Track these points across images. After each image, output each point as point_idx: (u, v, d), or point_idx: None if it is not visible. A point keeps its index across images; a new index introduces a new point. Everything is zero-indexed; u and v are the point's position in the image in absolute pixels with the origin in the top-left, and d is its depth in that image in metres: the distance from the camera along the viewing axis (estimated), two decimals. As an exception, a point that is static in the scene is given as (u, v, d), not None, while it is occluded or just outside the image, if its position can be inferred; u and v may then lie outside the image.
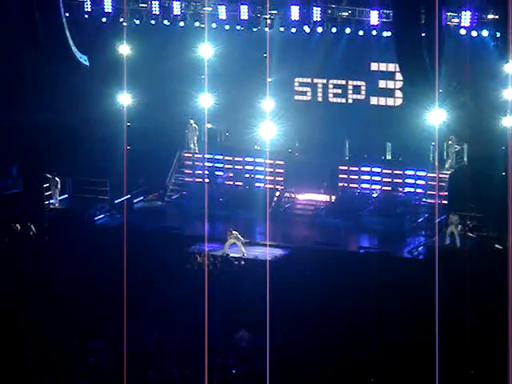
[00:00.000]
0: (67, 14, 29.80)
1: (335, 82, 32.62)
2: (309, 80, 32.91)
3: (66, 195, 31.15)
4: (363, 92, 32.37)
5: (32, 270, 24.68)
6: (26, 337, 20.80)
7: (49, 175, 30.53)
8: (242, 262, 26.07)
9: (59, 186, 30.66)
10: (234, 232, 26.86)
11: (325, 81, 32.73)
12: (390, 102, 32.11)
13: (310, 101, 32.90)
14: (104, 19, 31.91)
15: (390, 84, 31.95)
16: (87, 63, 30.31)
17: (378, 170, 31.29)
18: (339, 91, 32.63)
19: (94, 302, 22.34)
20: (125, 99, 31.65)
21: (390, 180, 31.10)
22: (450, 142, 30.54)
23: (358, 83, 32.33)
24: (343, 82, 32.50)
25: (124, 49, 31.76)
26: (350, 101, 32.53)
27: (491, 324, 19.69)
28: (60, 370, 19.36)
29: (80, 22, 31.41)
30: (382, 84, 32.10)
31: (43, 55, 29.43)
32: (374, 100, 32.37)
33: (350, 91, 32.52)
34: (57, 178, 30.62)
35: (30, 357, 19.95)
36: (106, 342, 20.21)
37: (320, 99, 32.83)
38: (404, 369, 19.01)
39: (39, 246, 26.97)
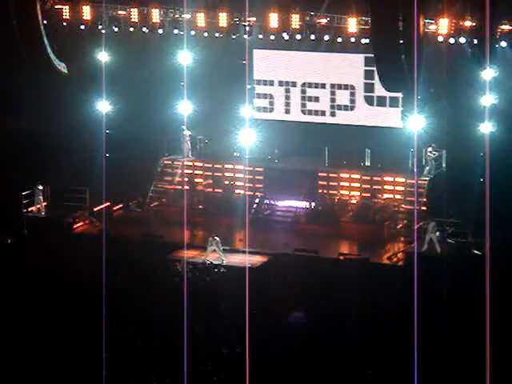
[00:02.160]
0: (45, 22, 29.69)
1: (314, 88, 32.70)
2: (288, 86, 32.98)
3: (45, 203, 31.01)
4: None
5: (10, 278, 24.54)
6: (2, 345, 20.69)
7: (34, 185, 30.43)
8: (222, 269, 26.08)
9: (43, 194, 30.56)
10: (216, 238, 26.87)
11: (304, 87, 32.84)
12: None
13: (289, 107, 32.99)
14: (82, 26, 31.89)
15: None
16: (66, 71, 30.22)
17: (358, 176, 31.40)
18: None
19: (73, 309, 22.25)
20: (104, 106, 31.60)
21: (369, 186, 31.22)
22: (429, 149, 30.63)
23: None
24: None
25: (103, 56, 31.74)
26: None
27: (469, 329, 19.79)
28: (37, 379, 19.26)
29: (58, 29, 31.34)
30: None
31: (21, 63, 29.32)
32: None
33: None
34: (40, 187, 30.52)
35: (6, 365, 19.85)
36: (84, 349, 20.11)
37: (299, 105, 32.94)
38: (383, 373, 19.08)
39: (18, 254, 26.83)
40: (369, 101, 31.22)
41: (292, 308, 22.46)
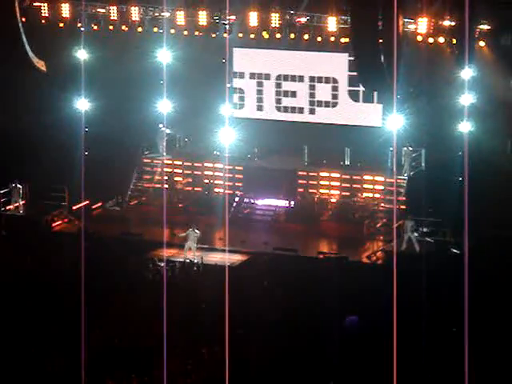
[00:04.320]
0: (23, 19, 29.53)
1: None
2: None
3: (23, 202, 30.86)
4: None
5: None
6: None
7: (12, 183, 30.26)
8: (201, 268, 26.05)
9: (21, 193, 30.42)
10: (196, 231, 26.85)
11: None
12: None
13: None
14: (61, 24, 31.74)
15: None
16: (44, 68, 30.07)
17: (337, 175, 31.47)
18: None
19: (51, 309, 22.14)
20: (82, 104, 31.49)
21: (348, 185, 31.30)
22: (404, 149, 30.68)
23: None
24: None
25: (82, 54, 31.62)
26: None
27: (447, 327, 19.90)
28: (16, 380, 19.17)
29: (37, 27, 31.18)
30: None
31: (-1, 61, 29.17)
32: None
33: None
34: (19, 185, 30.36)
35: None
36: (64, 349, 20.03)
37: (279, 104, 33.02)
38: (363, 372, 19.13)
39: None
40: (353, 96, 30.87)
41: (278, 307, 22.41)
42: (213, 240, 28.65)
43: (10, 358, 19.96)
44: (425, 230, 27.70)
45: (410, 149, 30.65)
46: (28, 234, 28.47)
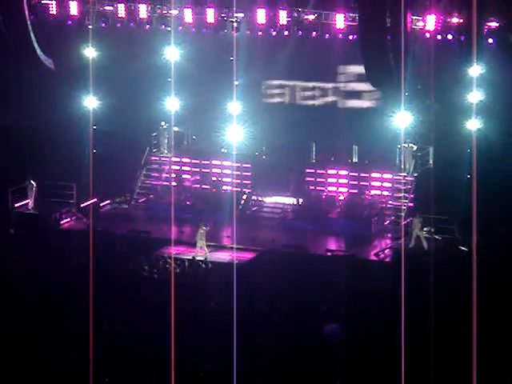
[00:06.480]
0: (32, 17, 29.59)
1: (303, 84, 32.96)
2: (276, 83, 33.22)
3: (32, 199, 30.89)
4: (330, 95, 32.74)
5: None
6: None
7: (26, 180, 30.35)
8: (209, 265, 26.08)
9: (34, 190, 30.49)
10: (204, 228, 26.87)
11: (292, 84, 33.07)
12: (357, 104, 32.41)
13: (278, 104, 33.18)
14: (69, 22, 31.78)
15: (357, 87, 32.26)
16: (52, 66, 30.12)
17: (345, 172, 31.44)
18: (307, 94, 32.99)
19: (60, 306, 22.21)
20: (91, 102, 31.51)
21: (356, 183, 31.25)
22: (405, 145, 30.57)
23: (326, 86, 32.70)
24: (310, 85, 32.92)
25: (90, 52, 31.64)
26: (317, 103, 32.91)
27: (456, 324, 19.88)
28: (25, 375, 19.23)
29: (45, 24, 31.23)
30: (348, 87, 32.45)
31: (7, 58, 29.23)
32: (340, 103, 32.68)
33: (318, 94, 32.88)
34: (32, 182, 30.44)
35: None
36: (72, 345, 20.09)
37: (287, 102, 33.14)
38: (370, 369, 19.13)
39: (5, 250, 26.75)
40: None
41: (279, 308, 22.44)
42: (221, 237, 28.65)
43: (17, 354, 20.03)
44: (433, 227, 27.64)
45: (414, 147, 30.54)
46: (36, 232, 28.54)
